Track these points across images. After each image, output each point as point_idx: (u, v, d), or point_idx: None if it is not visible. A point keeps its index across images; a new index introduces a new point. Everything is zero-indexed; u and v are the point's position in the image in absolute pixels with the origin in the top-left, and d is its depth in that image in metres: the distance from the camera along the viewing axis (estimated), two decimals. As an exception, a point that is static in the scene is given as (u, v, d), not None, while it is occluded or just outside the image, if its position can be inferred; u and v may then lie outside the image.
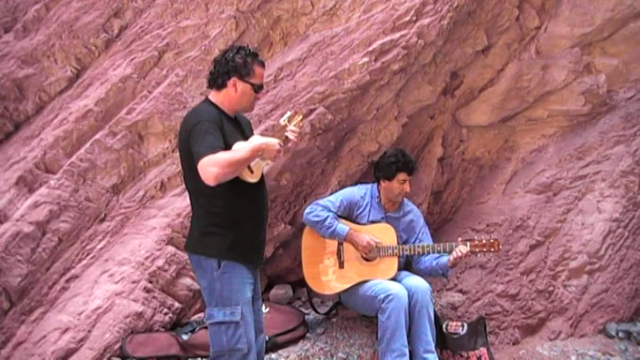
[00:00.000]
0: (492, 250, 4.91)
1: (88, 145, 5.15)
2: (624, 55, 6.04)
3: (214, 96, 3.82)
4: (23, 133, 5.24)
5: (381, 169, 5.22)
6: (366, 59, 5.21)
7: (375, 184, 5.30)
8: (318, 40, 5.39)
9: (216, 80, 3.79)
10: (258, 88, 3.82)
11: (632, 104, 6.08)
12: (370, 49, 5.23)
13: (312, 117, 5.22)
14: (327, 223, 4.99)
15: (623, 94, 6.15)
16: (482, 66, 5.98)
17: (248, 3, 5.32)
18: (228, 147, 3.55)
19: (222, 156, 3.44)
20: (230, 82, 3.74)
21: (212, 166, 3.41)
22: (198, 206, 3.80)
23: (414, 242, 5.24)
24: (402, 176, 5.14)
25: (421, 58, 5.43)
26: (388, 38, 5.24)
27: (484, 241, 4.91)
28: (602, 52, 6.07)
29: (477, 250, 4.90)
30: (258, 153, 3.59)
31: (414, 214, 5.38)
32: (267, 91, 5.30)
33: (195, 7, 5.35)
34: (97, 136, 5.17)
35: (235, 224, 3.70)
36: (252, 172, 3.70)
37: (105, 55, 5.38)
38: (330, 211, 5.04)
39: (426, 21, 5.25)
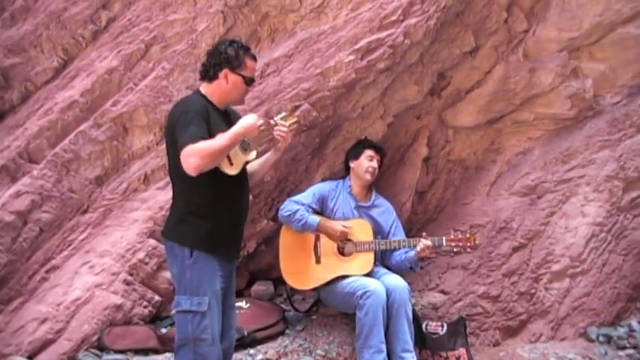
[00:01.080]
0: (468, 244, 4.96)
1: (72, 135, 5.14)
2: (611, 60, 6.04)
3: (205, 88, 3.84)
4: (8, 122, 5.24)
5: (349, 151, 5.43)
6: (352, 57, 5.21)
7: (347, 177, 5.41)
8: (305, 37, 5.39)
9: (208, 72, 3.81)
10: (249, 81, 3.84)
11: (618, 109, 6.08)
12: (357, 47, 5.23)
13: (297, 113, 5.19)
14: (298, 215, 5.02)
15: (609, 99, 6.15)
16: (469, 67, 5.98)
17: (236, -2, 5.34)
18: (212, 137, 3.55)
19: (202, 145, 3.45)
20: (221, 74, 3.76)
21: (192, 157, 3.43)
22: (179, 194, 3.82)
23: (387, 235, 5.30)
24: (369, 152, 5.32)
25: (407, 58, 5.42)
26: (375, 37, 5.23)
27: (460, 235, 4.95)
28: (589, 56, 6.07)
29: (453, 244, 4.95)
30: (239, 137, 3.60)
31: (386, 206, 5.46)
32: (253, 87, 5.29)
33: (184, 1, 5.35)
34: (81, 127, 5.17)
35: (212, 215, 3.71)
36: (231, 163, 3.69)
37: (92, 47, 5.37)
38: (302, 205, 5.08)
39: (412, 21, 5.25)
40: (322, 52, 5.30)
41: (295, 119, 4.02)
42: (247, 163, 3.90)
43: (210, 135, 3.56)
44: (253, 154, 3.91)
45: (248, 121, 3.64)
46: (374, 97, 5.54)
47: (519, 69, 5.97)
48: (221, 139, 3.53)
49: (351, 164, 5.38)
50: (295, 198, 5.19)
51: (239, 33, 5.36)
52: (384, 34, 5.26)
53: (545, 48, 6.02)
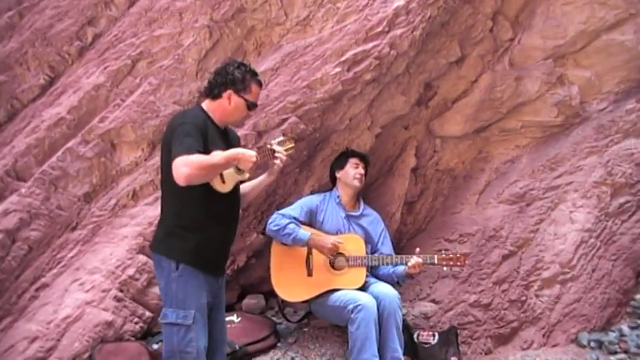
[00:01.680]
0: (458, 264, 4.99)
1: (60, 153, 5.12)
2: (597, 67, 6.08)
3: (207, 104, 3.91)
4: (-5, 140, 5.23)
5: (334, 163, 5.48)
6: (338, 69, 5.22)
7: (335, 189, 5.44)
8: (291, 50, 5.39)
9: (213, 90, 3.89)
10: (251, 106, 3.91)
11: (605, 116, 6.11)
12: (343, 59, 5.24)
13: (284, 126, 5.23)
14: (288, 229, 5.01)
15: (595, 105, 6.19)
16: (456, 77, 6.01)
17: (222, 12, 5.32)
18: (207, 153, 3.60)
19: (196, 158, 3.50)
20: (225, 94, 3.84)
21: (184, 166, 3.47)
22: (168, 207, 3.86)
23: (375, 246, 5.34)
24: (353, 160, 5.38)
25: (394, 69, 5.44)
26: (360, 49, 5.24)
27: (451, 255, 4.98)
28: (574, 64, 6.11)
29: (444, 263, 4.98)
30: (233, 161, 3.65)
31: (374, 215, 5.48)
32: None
33: (170, 17, 5.34)
34: (69, 144, 5.15)
35: (201, 230, 3.74)
36: (223, 181, 3.73)
37: (78, 63, 5.35)
38: (291, 218, 5.07)
39: (398, 32, 5.26)
40: (308, 64, 5.31)
41: (292, 144, 4.04)
42: (241, 182, 3.94)
43: (206, 150, 3.60)
44: (246, 175, 3.93)
45: (246, 153, 3.67)
46: (361, 108, 5.55)
47: (505, 77, 6.00)
48: (216, 157, 3.58)
49: (338, 174, 5.41)
50: (283, 211, 5.17)
51: (225, 47, 5.38)
52: (369, 45, 5.27)
53: (530, 56, 6.05)
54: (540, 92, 6.01)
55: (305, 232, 5.05)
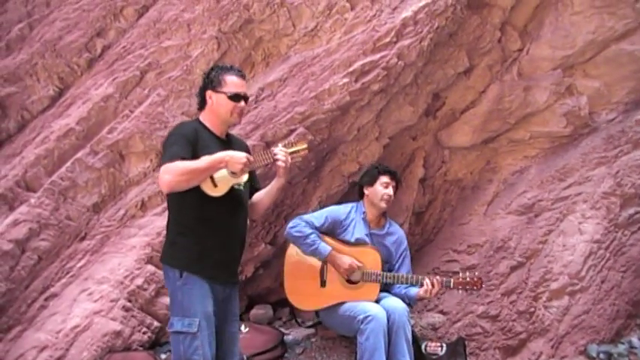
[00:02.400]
0: (475, 288, 4.91)
1: (69, 163, 5.16)
2: (606, 77, 6.05)
3: (202, 116, 3.96)
4: (5, 151, 5.26)
5: (364, 176, 5.31)
6: (346, 80, 5.24)
7: (361, 202, 5.30)
8: (299, 60, 5.42)
9: (200, 100, 3.96)
10: (233, 97, 3.86)
11: (614, 126, 6.09)
12: (350, 69, 5.25)
13: (292, 137, 5.23)
14: (309, 240, 4.95)
15: (604, 115, 6.16)
16: (464, 87, 6.01)
17: (230, 24, 5.35)
18: (196, 159, 3.61)
19: (178, 164, 3.54)
20: (207, 97, 3.89)
21: (166, 174, 3.54)
22: (171, 216, 3.89)
23: (395, 264, 5.24)
24: (384, 179, 5.17)
25: (402, 79, 5.45)
26: (368, 59, 5.26)
27: (468, 279, 4.90)
28: (583, 74, 6.09)
29: (460, 287, 4.91)
30: (220, 164, 3.63)
31: (399, 235, 5.35)
32: (249, 111, 5.32)
33: (178, 28, 5.39)
34: (78, 155, 5.19)
35: (199, 237, 3.76)
36: (215, 185, 3.70)
37: (87, 75, 5.41)
38: (313, 227, 5.03)
39: (406, 42, 5.28)
40: (316, 75, 5.32)
41: (305, 146, 3.97)
42: (239, 185, 3.88)
43: (195, 156, 3.62)
44: (244, 177, 3.87)
45: (234, 155, 3.66)
46: (369, 119, 5.55)
47: (514, 88, 5.99)
48: (198, 161, 3.59)
49: (366, 191, 5.24)
50: (307, 217, 5.09)
51: (233, 58, 5.40)
52: (377, 56, 5.28)
53: (539, 66, 6.04)
54: (549, 103, 6.00)
55: (326, 246, 4.99)
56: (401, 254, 5.30)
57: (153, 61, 5.35)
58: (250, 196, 4.13)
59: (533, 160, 6.22)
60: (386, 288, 5.15)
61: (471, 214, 6.20)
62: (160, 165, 3.67)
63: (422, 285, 4.90)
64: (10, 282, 4.84)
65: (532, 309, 5.74)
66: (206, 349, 3.66)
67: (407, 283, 5.01)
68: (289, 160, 3.90)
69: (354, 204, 5.33)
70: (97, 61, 5.42)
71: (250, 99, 5.28)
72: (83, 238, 5.19)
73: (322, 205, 5.56)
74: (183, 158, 3.57)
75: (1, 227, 4.91)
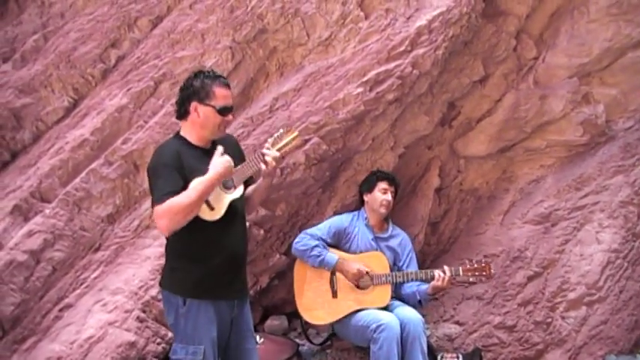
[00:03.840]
0: (484, 274, 4.93)
1: (83, 174, 5.17)
2: (623, 85, 6.00)
3: (182, 127, 3.74)
4: (20, 162, 5.28)
5: (363, 183, 5.41)
6: (360, 89, 5.21)
7: (362, 209, 5.37)
8: (313, 70, 5.40)
9: (180, 110, 3.70)
10: (222, 110, 3.63)
11: (631, 134, 6.03)
12: (365, 79, 5.23)
13: (306, 147, 5.22)
14: (315, 252, 4.99)
15: (622, 124, 6.10)
16: (479, 96, 5.97)
17: (244, 34, 5.35)
18: (187, 183, 3.45)
19: (170, 204, 3.36)
20: (191, 108, 3.62)
21: (162, 219, 3.40)
22: (168, 242, 3.74)
23: (401, 265, 5.28)
24: (382, 185, 5.27)
25: (416, 88, 5.42)
26: (383, 68, 5.24)
27: (475, 265, 4.92)
28: (600, 82, 6.04)
29: (469, 274, 4.93)
30: (213, 184, 3.50)
31: (402, 237, 5.42)
32: (263, 122, 5.33)
33: (192, 38, 5.39)
34: (92, 166, 5.20)
35: (200, 260, 3.64)
36: (212, 208, 3.59)
37: (102, 85, 5.42)
38: (318, 239, 5.05)
39: (420, 51, 5.25)
40: (331, 85, 5.31)
41: (295, 134, 3.88)
42: (236, 199, 3.74)
43: (186, 181, 3.45)
44: (239, 189, 3.76)
45: (217, 165, 3.52)
46: (384, 128, 5.53)
47: (530, 96, 5.95)
48: (190, 194, 3.41)
49: (365, 198, 5.35)
50: (310, 231, 5.15)
51: (247, 68, 5.41)
52: (392, 65, 5.26)
53: (555, 74, 6.00)
54: (565, 111, 5.95)
55: (332, 255, 5.03)
56: (407, 254, 5.37)
57: (167, 71, 5.35)
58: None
59: (550, 169, 6.17)
60: (397, 292, 5.17)
61: (487, 223, 6.15)
62: (152, 206, 3.48)
63: (432, 278, 4.93)
64: (25, 293, 4.85)
65: (549, 319, 5.69)
66: None
67: (417, 279, 5.05)
68: (274, 163, 3.75)
69: (355, 212, 5.42)
70: (111, 71, 5.43)
71: (264, 109, 5.31)
72: (97, 249, 5.19)
73: (347, 212, 5.53)
74: (175, 192, 3.39)
75: (16, 238, 4.92)
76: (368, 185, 5.37)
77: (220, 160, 3.55)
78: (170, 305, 3.68)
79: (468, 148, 6.11)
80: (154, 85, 5.34)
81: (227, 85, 3.71)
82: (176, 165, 3.50)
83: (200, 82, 3.62)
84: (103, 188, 5.18)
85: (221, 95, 3.63)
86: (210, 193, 3.50)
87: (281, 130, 3.88)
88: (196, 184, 3.43)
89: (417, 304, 5.14)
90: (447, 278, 4.89)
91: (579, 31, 5.88)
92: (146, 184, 5.18)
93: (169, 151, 3.59)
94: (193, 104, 3.61)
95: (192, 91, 3.62)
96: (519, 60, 5.99)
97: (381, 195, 5.26)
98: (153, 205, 3.45)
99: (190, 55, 5.37)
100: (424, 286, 5.01)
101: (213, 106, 3.60)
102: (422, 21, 5.26)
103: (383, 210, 5.27)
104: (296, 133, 3.90)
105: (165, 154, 3.58)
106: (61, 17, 5.59)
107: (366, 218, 5.34)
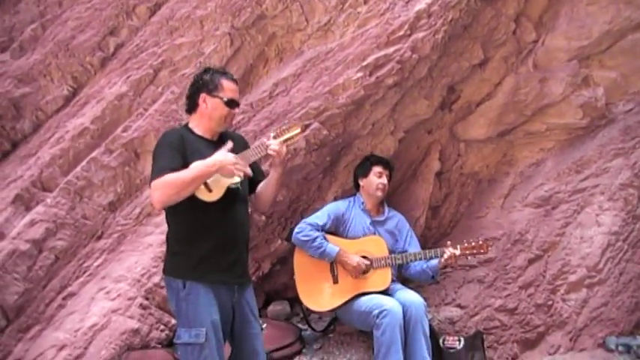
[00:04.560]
0: (482, 251, 5.00)
1: (84, 163, 5.18)
2: (622, 67, 5.98)
3: (191, 120, 3.89)
4: (20, 151, 5.29)
5: (357, 168, 5.46)
6: (360, 74, 5.20)
7: (358, 194, 5.43)
8: (312, 55, 5.39)
9: (190, 102, 3.87)
10: (229, 103, 3.81)
11: (631, 117, 6.02)
12: (364, 63, 5.22)
13: (307, 132, 5.21)
14: (316, 243, 5.01)
15: (621, 106, 6.09)
16: (479, 80, 5.95)
17: (243, 20, 5.34)
18: (186, 166, 3.56)
19: (166, 178, 3.48)
20: (200, 100, 3.80)
21: (156, 191, 3.50)
22: (168, 226, 3.85)
23: (402, 246, 5.33)
24: (377, 168, 5.34)
25: (416, 73, 5.41)
26: (382, 53, 5.22)
27: (473, 244, 4.98)
28: (600, 64, 6.02)
29: (467, 252, 4.98)
30: (211, 171, 3.57)
31: (399, 218, 5.48)
32: (263, 107, 5.33)
33: (191, 25, 5.38)
34: (93, 154, 5.20)
35: (199, 244, 3.71)
36: (210, 190, 3.65)
37: (101, 74, 5.41)
38: (319, 229, 5.07)
39: (420, 35, 5.23)
40: (330, 70, 5.30)
41: (298, 130, 3.94)
42: (235, 184, 3.79)
43: (186, 164, 3.56)
44: (237, 178, 3.77)
45: (219, 158, 3.61)
46: (384, 113, 5.52)
47: (529, 80, 5.94)
48: (187, 172, 3.52)
49: (361, 182, 5.41)
50: (310, 220, 5.15)
51: (246, 54, 5.41)
52: (391, 49, 5.24)
53: (555, 58, 5.98)
54: (565, 94, 5.94)
55: (333, 247, 5.05)
56: (406, 234, 5.43)
57: (166, 58, 5.35)
58: (254, 188, 4.09)
59: (550, 152, 6.17)
60: (404, 272, 5.29)
61: (488, 207, 6.16)
62: (150, 181, 3.58)
63: (431, 258, 5.04)
64: (28, 282, 4.87)
65: (550, 302, 5.71)
66: (215, 358, 3.63)
67: (416, 260, 5.13)
68: (283, 151, 3.87)
69: (351, 197, 5.46)
70: (110, 59, 5.42)
71: (264, 95, 5.31)
72: (100, 237, 5.20)
73: (343, 199, 5.55)
74: (173, 169, 3.51)
75: (18, 227, 4.94)
76: (363, 170, 5.41)
77: (225, 153, 3.65)
78: (172, 290, 3.76)
79: (468, 131, 6.10)
80: (154, 72, 5.34)
81: (235, 81, 3.92)
82: (179, 147, 3.64)
83: (209, 76, 3.83)
84: (104, 176, 5.19)
85: (229, 88, 3.83)
86: (206, 178, 3.59)
87: (284, 125, 3.97)
88: (195, 165, 3.54)
89: (431, 280, 5.26)
90: (454, 255, 4.93)
91: (579, 13, 5.85)
92: (147, 172, 5.21)
93: (174, 134, 3.78)
94: (202, 96, 3.79)
95: (202, 83, 3.82)
96: (519, 43, 5.97)
97: (376, 179, 5.32)
98: (150, 180, 3.56)
99: (189, 42, 5.37)
100: (434, 262, 5.05)
101: (221, 98, 3.79)
102: (421, 5, 5.23)
103: (379, 193, 5.32)
104: (299, 129, 3.97)
105: (170, 136, 3.76)
106: (59, 6, 5.57)
107: (362, 203, 5.38)
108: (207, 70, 3.90)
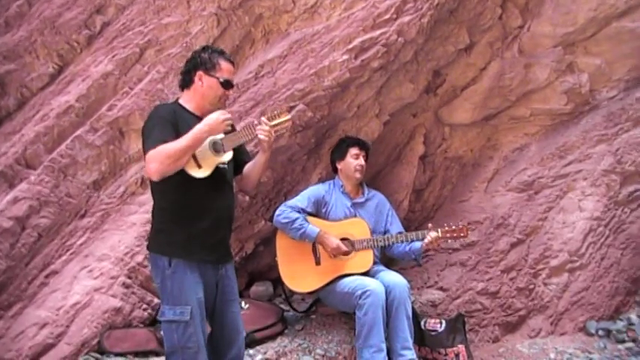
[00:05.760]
0: (462, 235, 5.01)
1: (68, 141, 5.13)
2: (607, 54, 6.04)
3: (184, 96, 3.88)
4: (5, 128, 5.22)
5: (334, 151, 5.49)
6: (346, 57, 5.20)
7: (337, 177, 5.45)
8: (299, 37, 5.38)
9: (185, 78, 3.86)
10: (225, 84, 3.81)
11: (614, 103, 6.09)
12: (350, 46, 5.22)
13: (292, 114, 5.18)
14: (296, 224, 5.02)
15: (605, 93, 6.16)
16: (464, 64, 5.98)
17: (230, 0, 5.31)
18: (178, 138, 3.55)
19: (161, 148, 3.46)
20: (196, 77, 3.79)
21: (152, 162, 3.47)
22: (154, 204, 3.84)
23: (384, 226, 5.37)
24: (353, 150, 5.36)
25: (402, 56, 5.42)
26: (368, 36, 5.23)
27: (454, 227, 4.99)
28: (584, 51, 6.08)
29: (448, 235, 4.99)
30: (203, 136, 3.57)
31: (379, 198, 5.51)
32: (248, 88, 5.32)
33: (177, 5, 5.34)
34: (78, 132, 5.15)
35: (187, 221, 3.70)
36: (199, 166, 3.66)
37: (87, 52, 5.35)
38: (299, 211, 5.08)
39: (406, 19, 5.24)
40: (316, 52, 5.30)
41: (288, 117, 3.90)
42: (224, 165, 3.83)
43: (178, 136, 3.55)
44: (229, 154, 3.83)
45: (211, 117, 3.61)
46: (369, 96, 5.54)
47: (515, 65, 5.98)
48: (181, 140, 3.51)
49: (338, 165, 5.42)
50: (291, 203, 5.16)
51: (233, 35, 5.38)
52: (377, 32, 5.25)
53: (540, 43, 6.02)
54: (550, 80, 5.99)
55: (313, 228, 5.05)
56: (387, 214, 5.46)
57: (152, 38, 5.31)
58: (240, 169, 4.09)
59: (534, 137, 6.23)
60: (388, 253, 5.33)
61: (471, 191, 6.21)
62: (144, 153, 3.58)
63: (413, 240, 5.05)
64: (11, 259, 4.83)
65: (532, 286, 5.78)
66: (199, 335, 3.64)
67: (398, 242, 5.14)
68: (272, 134, 3.84)
69: (330, 181, 5.48)
70: (96, 38, 5.36)
71: (250, 76, 5.31)
72: (83, 216, 5.17)
73: (322, 182, 5.56)
74: (166, 141, 3.48)
75: (1, 205, 4.88)
76: (339, 153, 5.43)
77: (216, 114, 3.64)
78: (157, 267, 3.73)
79: (452, 115, 6.14)
80: (140, 51, 5.30)
81: (232, 62, 3.93)
82: (171, 120, 3.63)
83: (208, 55, 3.83)
84: (89, 155, 5.16)
85: (226, 69, 3.84)
86: (200, 143, 3.59)
87: (275, 110, 3.93)
88: (188, 134, 3.53)
89: (413, 262, 5.32)
90: (435, 239, 4.94)
91: (564, 0, 5.89)
92: (132, 151, 5.23)
93: (166, 108, 3.79)
94: (199, 73, 3.79)
95: (200, 61, 3.81)
96: (504, 28, 6.00)
97: (353, 160, 5.33)
98: (145, 153, 3.54)
99: (176, 22, 5.33)
100: (417, 244, 5.05)
101: (218, 78, 3.79)
102: (408, -12, 5.25)
103: (358, 175, 5.34)
104: (289, 117, 3.93)
105: (162, 109, 3.77)
106: (45, -18, 5.54)
107: (341, 186, 5.39)
108: (205, 48, 3.89)
